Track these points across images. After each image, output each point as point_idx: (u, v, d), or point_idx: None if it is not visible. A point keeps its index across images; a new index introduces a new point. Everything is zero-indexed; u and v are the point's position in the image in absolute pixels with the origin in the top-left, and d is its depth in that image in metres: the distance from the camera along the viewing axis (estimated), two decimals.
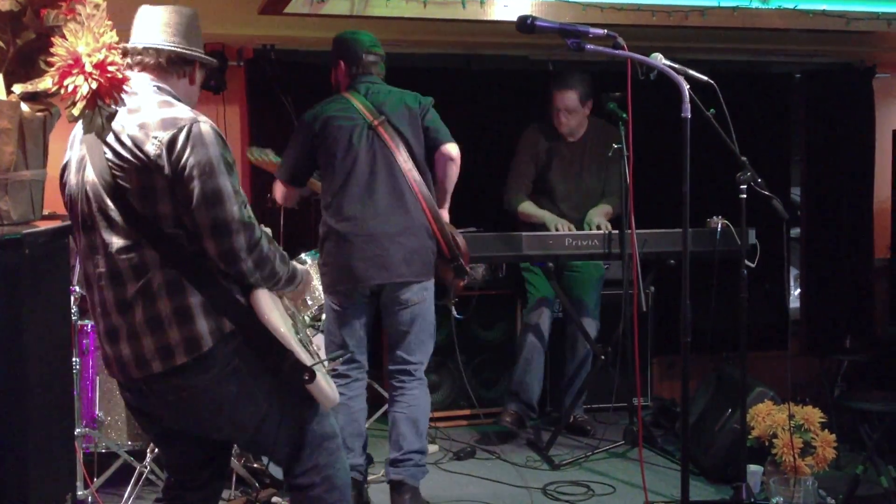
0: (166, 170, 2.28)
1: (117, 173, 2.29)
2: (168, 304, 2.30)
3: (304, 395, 2.44)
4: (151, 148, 2.28)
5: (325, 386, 2.47)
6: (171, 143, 2.28)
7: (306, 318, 3.93)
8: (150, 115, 2.31)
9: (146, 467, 3.86)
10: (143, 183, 2.29)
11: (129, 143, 2.29)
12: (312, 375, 2.37)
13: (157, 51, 2.43)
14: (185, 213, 2.29)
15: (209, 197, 2.28)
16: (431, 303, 3.80)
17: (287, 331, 2.39)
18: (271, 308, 2.38)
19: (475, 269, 5.09)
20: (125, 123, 2.30)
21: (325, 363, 2.63)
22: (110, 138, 2.29)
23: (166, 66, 2.44)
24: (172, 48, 2.44)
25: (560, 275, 4.86)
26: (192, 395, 2.34)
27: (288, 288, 2.53)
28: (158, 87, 2.43)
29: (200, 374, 2.32)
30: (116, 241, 2.30)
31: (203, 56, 2.53)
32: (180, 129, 2.29)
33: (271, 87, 5.32)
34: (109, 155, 2.29)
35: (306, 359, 2.41)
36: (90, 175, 2.33)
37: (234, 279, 2.36)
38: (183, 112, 2.34)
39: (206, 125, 2.33)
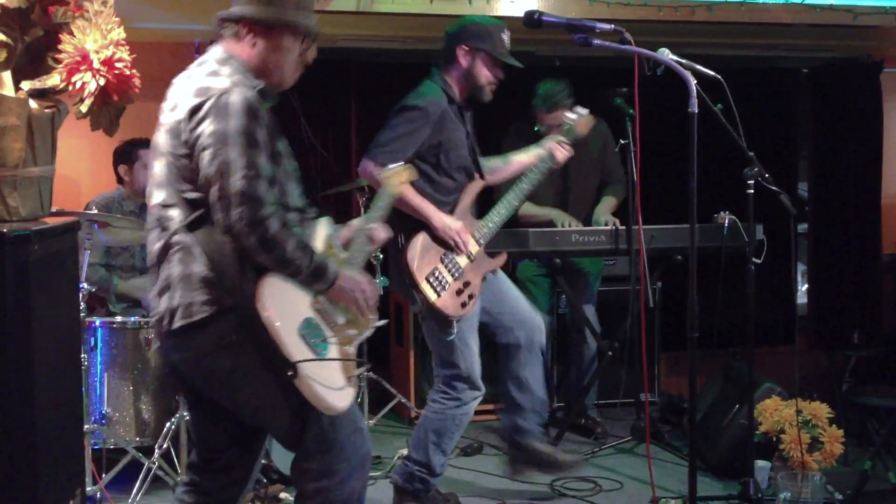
0: (184, 135, 2.34)
1: (164, 134, 2.39)
2: (178, 267, 2.37)
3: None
4: (180, 113, 2.35)
5: (319, 389, 2.36)
6: (195, 110, 2.32)
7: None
8: (193, 82, 2.38)
9: (154, 463, 3.87)
10: (174, 146, 2.37)
11: (171, 105, 2.38)
12: (295, 372, 2.32)
13: (226, 20, 2.45)
14: (199, 181, 2.33)
15: (217, 167, 2.29)
16: (432, 321, 3.64)
17: (284, 322, 2.32)
18: (272, 295, 2.33)
19: None
20: (178, 87, 2.39)
21: (354, 373, 2.50)
22: (167, 101, 2.38)
23: (238, 34, 2.44)
24: (239, 15, 2.43)
25: (564, 270, 4.86)
26: (186, 358, 2.41)
27: (316, 284, 2.45)
28: (225, 57, 2.43)
29: (192, 340, 2.38)
30: (157, 197, 2.41)
31: (282, 17, 2.43)
32: (207, 98, 2.32)
33: None
34: (163, 116, 2.40)
35: (296, 353, 2.33)
36: (156, 135, 2.47)
37: (247, 256, 2.36)
38: (220, 82, 2.34)
39: (236, 96, 2.31)
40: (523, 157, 3.87)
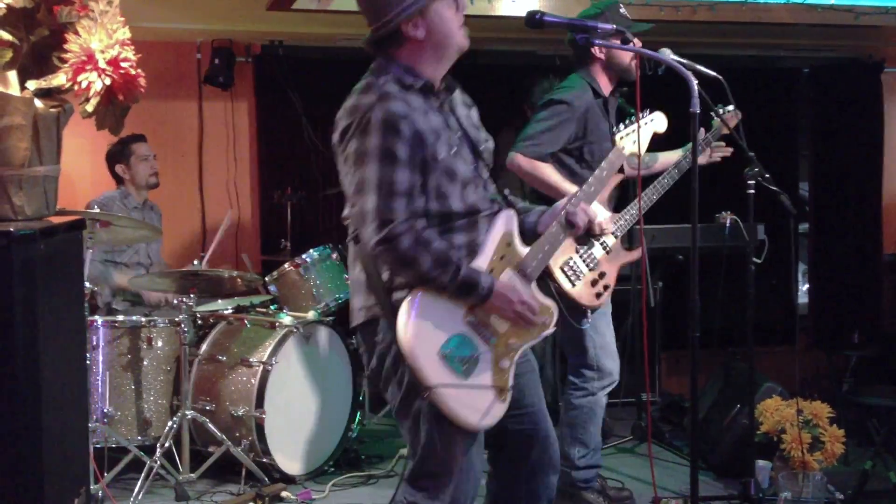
0: (341, 156, 2.39)
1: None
2: (352, 272, 2.48)
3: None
4: (336, 135, 2.40)
5: (456, 407, 2.32)
6: (345, 131, 2.36)
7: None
8: (349, 101, 2.40)
9: (156, 462, 3.88)
10: (339, 164, 2.41)
11: (336, 124, 2.42)
12: (430, 394, 2.29)
13: (380, 41, 2.43)
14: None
15: (356, 185, 2.31)
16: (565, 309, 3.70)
17: (422, 343, 2.29)
18: (415, 312, 2.29)
19: None
20: (342, 106, 2.42)
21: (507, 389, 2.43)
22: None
23: (397, 41, 2.42)
24: (392, 29, 2.38)
25: None
26: (361, 354, 2.52)
27: (465, 299, 2.37)
28: (385, 63, 2.42)
29: (362, 339, 2.49)
30: (345, 211, 2.47)
31: (387, 18, 2.37)
32: (355, 117, 2.34)
33: (279, 82, 5.34)
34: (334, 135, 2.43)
35: (432, 377, 2.29)
36: None
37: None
38: (368, 98, 2.34)
39: (380, 112, 2.30)
40: (670, 155, 3.86)
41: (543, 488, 2.64)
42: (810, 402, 3.98)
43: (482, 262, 2.42)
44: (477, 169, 2.49)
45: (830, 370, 5.61)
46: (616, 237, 3.66)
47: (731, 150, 3.82)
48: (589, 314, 3.60)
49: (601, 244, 3.61)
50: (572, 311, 3.55)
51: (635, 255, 3.75)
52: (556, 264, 3.48)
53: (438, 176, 2.36)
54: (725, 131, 3.84)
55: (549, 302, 2.55)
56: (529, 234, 2.57)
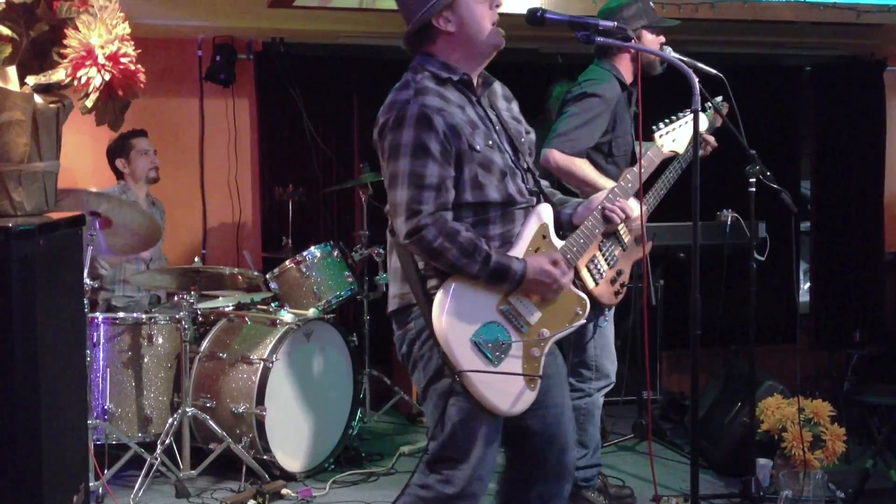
0: (379, 151, 2.44)
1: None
2: (389, 261, 2.56)
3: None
4: (375, 131, 2.45)
5: (486, 392, 2.39)
6: (382, 127, 2.41)
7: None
8: (389, 96, 2.45)
9: (156, 459, 3.88)
10: (378, 157, 2.47)
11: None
12: (459, 380, 2.36)
13: (416, 36, 2.50)
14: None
15: (389, 178, 2.39)
16: None
17: (455, 330, 2.36)
18: (449, 300, 2.36)
19: None
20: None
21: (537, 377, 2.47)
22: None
23: (430, 38, 2.48)
24: (424, 22, 2.45)
25: None
26: (395, 340, 2.57)
27: (499, 285, 2.43)
28: (424, 60, 2.48)
29: (396, 325, 2.55)
30: (387, 207, 2.52)
31: (418, 12, 2.45)
32: (392, 113, 2.39)
33: (280, 79, 5.33)
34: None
35: (464, 363, 2.36)
36: None
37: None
38: (405, 94, 2.41)
39: (415, 106, 2.37)
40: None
41: (557, 494, 2.63)
42: (811, 400, 3.98)
43: (517, 253, 2.49)
44: (517, 161, 2.54)
45: (831, 368, 5.60)
46: (631, 234, 3.65)
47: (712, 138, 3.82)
48: (606, 312, 3.59)
49: (620, 241, 3.59)
50: (592, 309, 3.55)
51: (645, 249, 3.75)
52: (581, 262, 3.45)
53: (475, 166, 2.42)
54: (719, 124, 3.83)
55: (582, 294, 2.61)
56: (565, 227, 2.63)
